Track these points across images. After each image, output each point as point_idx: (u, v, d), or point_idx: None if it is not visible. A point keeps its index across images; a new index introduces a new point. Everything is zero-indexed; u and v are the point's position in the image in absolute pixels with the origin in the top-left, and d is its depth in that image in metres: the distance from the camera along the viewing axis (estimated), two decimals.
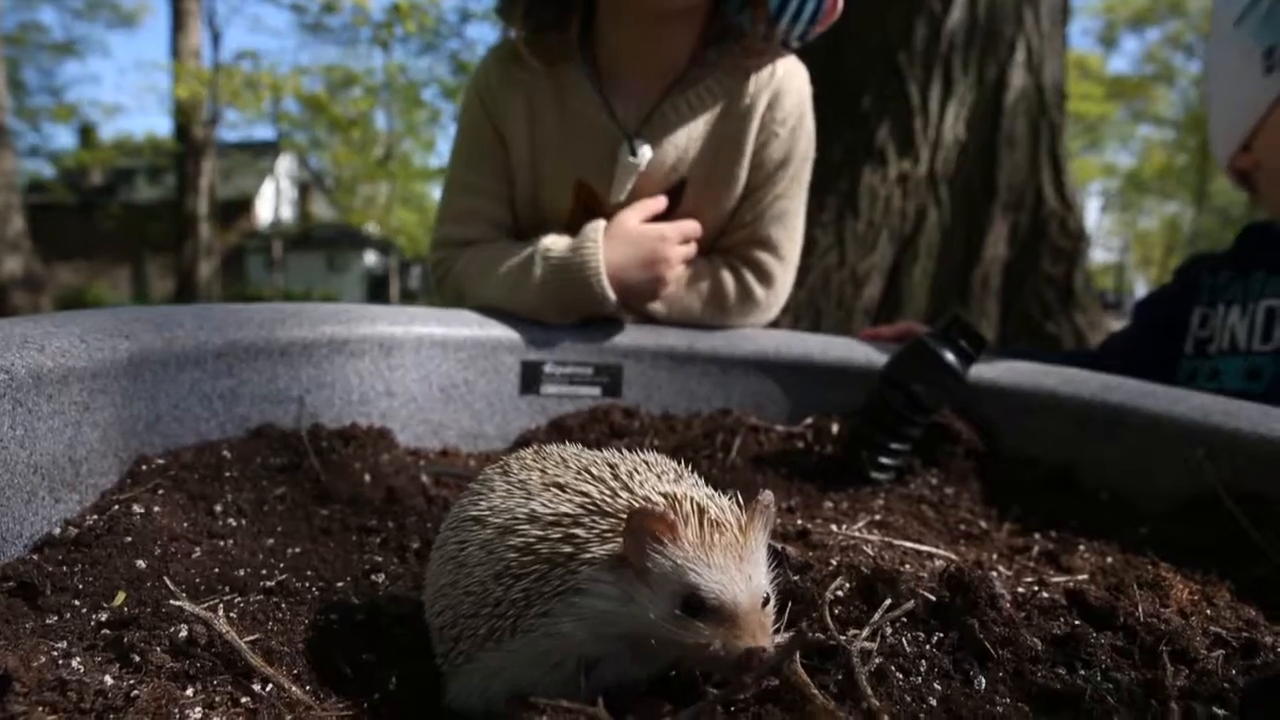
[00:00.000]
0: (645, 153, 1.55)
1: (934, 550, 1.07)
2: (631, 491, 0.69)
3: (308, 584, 0.93)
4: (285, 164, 29.53)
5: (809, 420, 1.49)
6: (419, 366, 1.44)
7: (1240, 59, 1.50)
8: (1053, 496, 1.31)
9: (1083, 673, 0.73)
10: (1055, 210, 4.32)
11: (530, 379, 1.48)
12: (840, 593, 0.86)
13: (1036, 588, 0.94)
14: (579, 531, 0.67)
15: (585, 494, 0.70)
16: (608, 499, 0.69)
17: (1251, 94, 1.50)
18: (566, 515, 0.68)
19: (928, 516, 1.23)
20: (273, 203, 29.04)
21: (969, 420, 1.42)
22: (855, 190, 4.17)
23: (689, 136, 1.58)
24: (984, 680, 0.71)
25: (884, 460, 1.31)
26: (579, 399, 1.49)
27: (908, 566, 0.97)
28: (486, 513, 0.72)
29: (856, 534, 1.08)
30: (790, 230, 1.65)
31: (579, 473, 0.73)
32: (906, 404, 1.32)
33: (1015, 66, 4.26)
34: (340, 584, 0.94)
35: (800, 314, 4.04)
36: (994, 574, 1.01)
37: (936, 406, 1.35)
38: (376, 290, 28.06)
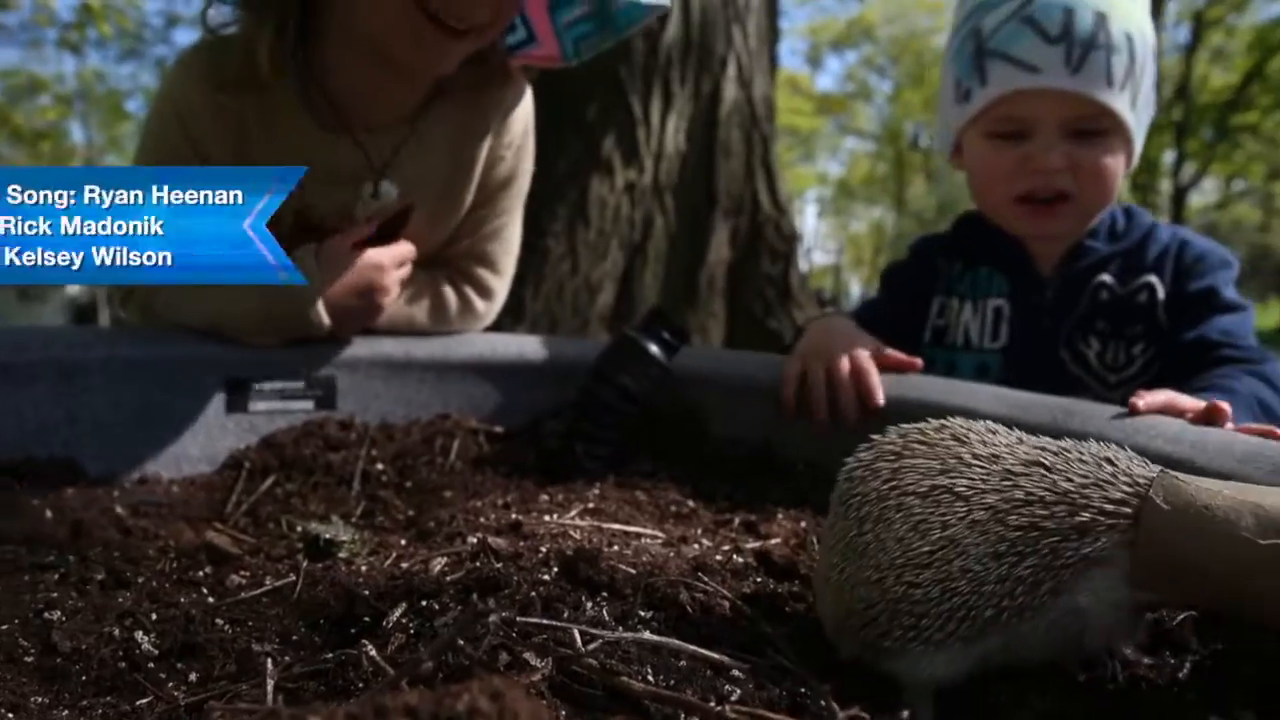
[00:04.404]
0: (390, 191, 1.49)
1: (641, 530, 1.13)
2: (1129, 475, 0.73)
3: None
4: None
5: (526, 419, 1.52)
6: (107, 390, 1.33)
7: (949, 83, 1.71)
8: (756, 472, 1.42)
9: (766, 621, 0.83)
10: (770, 215, 4.65)
11: (236, 397, 1.41)
12: (546, 576, 0.90)
13: (733, 554, 1.04)
14: (1085, 515, 0.70)
15: (1082, 473, 0.72)
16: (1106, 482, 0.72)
17: (953, 114, 1.69)
18: (1070, 494, 0.71)
19: (640, 501, 1.29)
20: None
21: (677, 407, 1.51)
22: (585, 200, 4.28)
23: (424, 165, 1.53)
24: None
25: (598, 451, 1.37)
26: (291, 414, 1.44)
27: (614, 547, 1.03)
28: (967, 490, 0.73)
29: (568, 521, 1.12)
30: (508, 245, 1.68)
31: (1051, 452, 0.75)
32: (617, 396, 1.38)
33: (728, 81, 4.55)
34: (5, 626, 0.86)
35: (537, 322, 4.10)
36: (695, 546, 1.10)
37: (646, 397, 1.43)
38: (83, 321, 25.34)
